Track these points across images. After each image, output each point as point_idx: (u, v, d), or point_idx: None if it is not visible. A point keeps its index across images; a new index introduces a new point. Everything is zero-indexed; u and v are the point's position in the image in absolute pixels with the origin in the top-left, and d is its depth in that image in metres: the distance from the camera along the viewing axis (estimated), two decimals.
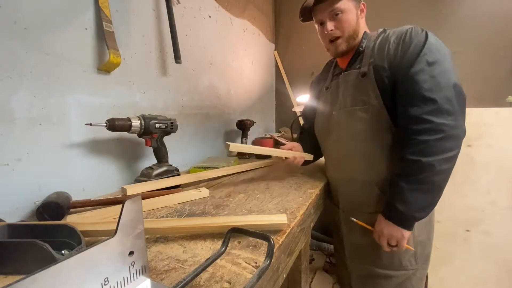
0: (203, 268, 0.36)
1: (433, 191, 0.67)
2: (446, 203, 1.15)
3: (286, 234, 0.52)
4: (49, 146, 0.69)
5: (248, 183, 0.91)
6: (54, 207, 0.59)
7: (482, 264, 1.13)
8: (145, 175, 0.82)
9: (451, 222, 1.17)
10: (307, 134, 1.06)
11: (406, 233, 0.70)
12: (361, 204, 0.85)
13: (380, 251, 0.81)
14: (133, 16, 0.91)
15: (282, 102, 2.14)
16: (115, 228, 0.31)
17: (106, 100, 0.83)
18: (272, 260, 0.37)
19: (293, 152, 0.94)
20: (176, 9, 1.06)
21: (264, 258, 0.37)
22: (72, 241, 0.43)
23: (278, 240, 0.49)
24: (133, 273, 0.33)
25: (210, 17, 1.34)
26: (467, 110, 0.67)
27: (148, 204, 0.66)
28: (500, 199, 1.10)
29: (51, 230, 0.45)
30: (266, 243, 0.39)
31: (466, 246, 1.16)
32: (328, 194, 1.00)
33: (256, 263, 0.41)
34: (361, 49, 0.80)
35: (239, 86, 1.65)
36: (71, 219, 0.57)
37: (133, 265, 0.33)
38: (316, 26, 0.85)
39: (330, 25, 0.79)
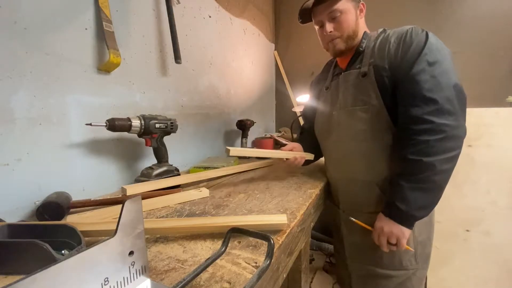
0: (203, 268, 0.36)
1: (434, 191, 0.67)
2: (446, 203, 1.15)
3: (286, 234, 0.52)
4: (49, 146, 0.69)
5: (248, 183, 0.91)
6: (54, 207, 0.59)
7: (482, 264, 1.13)
8: (145, 175, 0.82)
9: (451, 222, 1.17)
10: (307, 134, 1.06)
11: (407, 232, 0.70)
12: (362, 204, 0.85)
13: (380, 251, 0.81)
14: (133, 16, 0.91)
15: (282, 102, 2.14)
16: (115, 228, 0.31)
17: (106, 100, 0.83)
18: (272, 260, 0.37)
19: (294, 152, 0.94)
20: (176, 9, 1.06)
21: (264, 258, 0.37)
22: (72, 241, 0.43)
23: (278, 240, 0.49)
24: (133, 273, 0.33)
25: (210, 17, 1.34)
26: (467, 110, 0.67)
27: (148, 204, 0.66)
28: (500, 199, 1.10)
29: (51, 230, 0.45)
30: (266, 243, 0.39)
31: (466, 246, 1.16)
32: (328, 194, 1.00)
33: (256, 263, 0.41)
34: (361, 49, 0.80)
35: (239, 86, 1.65)
36: (71, 219, 0.57)
37: (133, 265, 0.33)
38: (316, 27, 0.85)
39: (329, 27, 0.79)
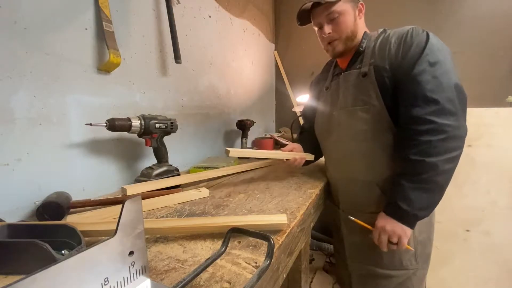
0: (203, 268, 0.36)
1: (436, 191, 0.67)
2: (447, 203, 1.15)
3: (286, 234, 0.52)
4: (49, 146, 0.69)
5: (248, 183, 0.91)
6: (54, 207, 0.59)
7: (482, 264, 1.13)
8: (145, 175, 0.82)
9: (451, 222, 1.17)
10: (307, 134, 1.06)
11: (409, 231, 0.70)
12: (362, 204, 0.84)
13: (380, 251, 0.81)
14: (133, 16, 0.91)
15: (282, 102, 2.14)
16: (115, 228, 0.31)
17: (106, 100, 0.83)
18: (272, 260, 0.37)
19: (294, 153, 0.94)
20: (176, 9, 1.06)
21: (264, 258, 0.37)
22: (72, 241, 0.43)
23: (278, 240, 0.49)
24: (133, 273, 0.33)
25: (210, 17, 1.34)
26: (467, 110, 0.67)
27: (148, 204, 0.66)
28: (500, 199, 1.10)
29: (51, 230, 0.45)
30: (266, 243, 0.39)
31: (466, 246, 1.16)
32: (328, 194, 1.00)
33: (256, 263, 0.41)
34: (361, 49, 0.80)
35: (239, 86, 1.65)
36: (71, 219, 0.57)
37: (133, 265, 0.33)
38: (315, 28, 0.85)
39: (327, 28, 0.79)
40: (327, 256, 1.68)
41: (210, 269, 0.39)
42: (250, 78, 1.79)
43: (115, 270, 0.31)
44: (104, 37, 0.77)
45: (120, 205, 0.33)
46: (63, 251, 0.42)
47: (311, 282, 1.44)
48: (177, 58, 1.02)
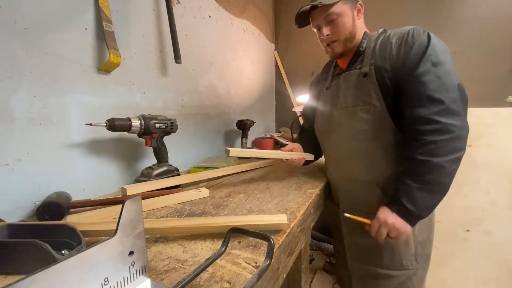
0: (203, 268, 0.36)
1: (440, 192, 0.67)
2: (447, 203, 1.14)
3: (286, 234, 0.52)
4: (49, 146, 0.69)
5: (248, 183, 0.91)
6: (54, 207, 0.59)
7: (482, 264, 1.13)
8: (145, 175, 0.82)
9: (451, 222, 1.17)
10: (307, 134, 1.06)
11: (409, 228, 0.70)
12: (362, 204, 0.84)
13: (380, 251, 0.81)
14: (133, 16, 0.91)
15: (282, 102, 2.14)
16: (115, 228, 0.31)
17: (106, 100, 0.83)
18: (272, 260, 0.37)
19: (294, 153, 0.94)
20: (176, 9, 1.06)
21: (264, 258, 0.37)
22: (72, 241, 0.43)
23: (278, 240, 0.49)
24: (133, 273, 0.33)
25: (210, 17, 1.34)
26: (467, 110, 0.67)
27: (148, 204, 0.66)
28: (500, 199, 1.10)
29: (51, 230, 0.45)
30: (266, 243, 0.39)
31: (466, 246, 1.16)
32: (329, 194, 1.00)
33: (256, 263, 0.41)
34: (361, 49, 0.80)
35: (239, 86, 1.65)
36: (71, 219, 0.57)
37: (133, 265, 0.33)
38: (314, 30, 0.85)
39: (326, 30, 0.79)
40: (327, 256, 1.68)
41: (210, 269, 0.39)
42: (250, 78, 1.79)
43: (115, 270, 0.31)
44: (104, 37, 0.77)
45: (120, 205, 0.33)
46: (63, 251, 0.42)
47: (311, 282, 1.44)
48: (177, 58, 1.02)
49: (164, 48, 1.04)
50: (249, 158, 1.42)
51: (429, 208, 0.69)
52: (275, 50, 2.15)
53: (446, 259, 1.19)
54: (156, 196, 0.69)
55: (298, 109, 1.74)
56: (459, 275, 1.17)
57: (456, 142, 0.64)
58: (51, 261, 0.36)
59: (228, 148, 0.74)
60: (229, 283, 0.36)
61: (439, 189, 0.67)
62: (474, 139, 1.11)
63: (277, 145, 1.66)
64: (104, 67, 0.79)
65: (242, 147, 1.48)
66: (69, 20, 0.72)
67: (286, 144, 1.04)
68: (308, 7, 0.79)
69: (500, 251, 1.10)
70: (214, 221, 0.52)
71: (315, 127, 0.99)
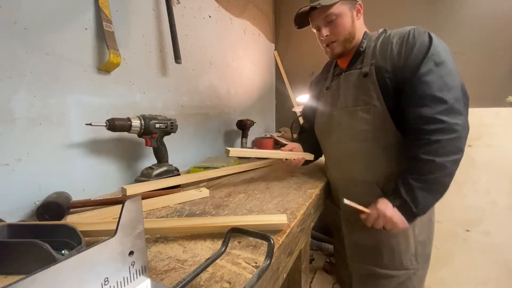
0: (203, 268, 0.36)
1: (440, 192, 0.68)
2: (446, 203, 1.15)
3: (286, 234, 0.52)
4: (49, 146, 0.69)
5: (248, 183, 0.91)
6: (54, 207, 0.59)
7: (482, 264, 1.13)
8: (145, 175, 0.82)
9: (451, 222, 1.17)
10: (307, 133, 1.06)
11: (406, 225, 0.70)
12: (362, 204, 0.84)
13: (381, 251, 0.81)
14: (133, 16, 0.91)
15: (282, 102, 2.14)
16: (115, 228, 0.31)
17: (106, 100, 0.83)
18: (272, 260, 0.37)
19: (293, 153, 0.94)
20: (176, 9, 1.06)
21: (264, 258, 0.37)
22: (72, 241, 0.43)
23: (278, 240, 0.49)
24: (133, 273, 0.33)
25: (210, 17, 1.34)
26: None
27: (148, 204, 0.66)
28: (500, 199, 1.10)
29: (51, 230, 0.45)
30: (266, 243, 0.39)
31: (466, 246, 1.16)
32: (329, 194, 1.00)
33: (256, 263, 0.41)
34: (361, 49, 0.80)
35: (239, 86, 1.65)
36: (71, 219, 0.57)
37: (133, 265, 0.33)
38: (314, 30, 0.85)
39: (325, 31, 0.80)
40: (327, 256, 1.68)
41: (210, 269, 0.39)
42: (250, 78, 1.78)
43: (115, 270, 0.31)
44: (104, 37, 0.77)
45: (120, 205, 0.33)
46: (63, 251, 0.42)
47: (311, 282, 1.44)
48: (177, 58, 1.02)
49: (164, 48, 1.04)
50: (249, 158, 1.43)
51: (428, 207, 0.69)
52: (275, 50, 2.15)
53: (446, 259, 1.19)
54: (156, 196, 0.69)
55: (298, 109, 1.74)
56: (459, 275, 1.17)
57: (459, 141, 0.64)
58: (51, 261, 0.36)
59: (228, 148, 0.74)
60: (229, 283, 0.36)
61: (440, 189, 0.67)
62: (474, 139, 1.11)
63: (277, 145, 1.66)
64: (104, 67, 0.79)
65: (242, 147, 1.48)
66: (69, 20, 0.72)
67: (286, 144, 1.04)
68: (307, 8, 0.79)
69: (500, 251, 1.10)
70: (214, 221, 0.52)
71: (315, 127, 0.99)
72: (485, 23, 1.38)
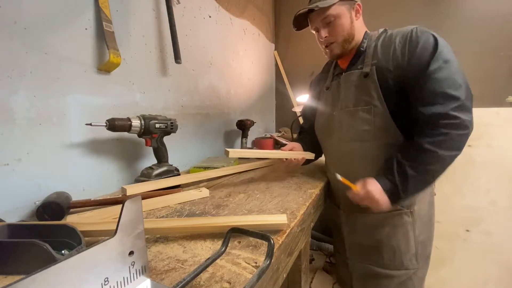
0: (203, 268, 0.36)
1: (430, 183, 0.70)
2: (446, 203, 1.15)
3: (286, 234, 0.52)
4: (49, 146, 0.69)
5: (248, 183, 0.91)
6: (54, 207, 0.59)
7: (482, 264, 1.13)
8: (145, 175, 0.82)
9: (451, 222, 1.17)
10: (307, 133, 1.06)
11: (389, 207, 0.71)
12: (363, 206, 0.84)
13: (382, 251, 0.81)
14: (133, 16, 0.91)
15: (282, 102, 2.14)
16: (115, 228, 0.31)
17: (106, 100, 0.83)
18: (272, 260, 0.37)
19: (294, 152, 0.94)
20: (176, 9, 1.06)
21: (264, 258, 0.37)
22: (72, 241, 0.43)
23: (278, 240, 0.49)
24: (133, 273, 0.33)
25: (210, 17, 1.34)
26: None
27: (148, 204, 0.66)
28: (500, 199, 1.10)
29: (51, 230, 0.45)
30: (266, 243, 0.39)
31: (466, 246, 1.16)
32: (329, 194, 1.00)
33: (256, 263, 0.41)
34: (362, 49, 0.80)
35: (239, 86, 1.65)
36: (71, 219, 0.57)
37: (133, 265, 0.33)
38: (313, 32, 0.86)
39: (324, 32, 0.80)
40: (327, 256, 1.68)
41: (210, 269, 0.39)
42: (250, 78, 1.79)
43: (115, 270, 0.31)
44: (104, 37, 0.77)
45: (120, 205, 0.33)
46: (63, 251, 0.42)
47: (311, 282, 1.44)
48: (177, 58, 1.02)
49: (164, 48, 1.04)
50: (249, 158, 1.43)
51: (413, 195, 0.71)
52: (275, 50, 2.15)
53: (446, 259, 1.19)
54: (156, 196, 0.69)
55: (298, 109, 1.74)
56: (459, 275, 1.17)
57: (465, 138, 0.65)
58: (51, 261, 0.36)
59: (227, 149, 0.73)
60: (229, 283, 0.36)
61: (430, 181, 0.69)
62: (474, 139, 1.11)
63: (277, 145, 1.66)
64: (104, 67, 0.79)
65: (242, 147, 1.48)
66: (69, 20, 0.72)
67: (286, 144, 1.04)
68: (305, 10, 0.79)
69: (500, 251, 1.10)
70: (214, 221, 0.52)
71: (315, 127, 0.99)
72: (485, 23, 1.38)
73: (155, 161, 0.88)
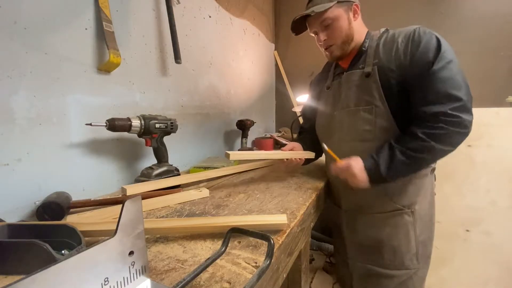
0: (203, 268, 0.36)
1: (415, 171, 0.71)
2: (446, 203, 1.15)
3: (286, 234, 0.52)
4: (49, 146, 0.69)
5: (248, 183, 0.91)
6: (54, 207, 0.59)
7: (482, 264, 1.13)
8: (145, 175, 0.82)
9: (451, 222, 1.17)
10: (307, 133, 1.06)
11: (367, 186, 0.72)
12: (364, 204, 0.85)
13: (382, 250, 0.81)
14: (133, 16, 0.91)
15: (282, 102, 2.14)
16: (115, 228, 0.31)
17: (106, 100, 0.83)
18: (272, 260, 0.37)
19: (294, 152, 0.94)
20: (176, 9, 1.06)
21: (264, 258, 0.37)
22: (72, 241, 0.43)
23: (278, 240, 0.49)
24: (133, 273, 0.33)
25: (210, 17, 1.34)
26: None
27: (148, 204, 0.66)
28: (500, 199, 1.10)
29: (51, 230, 0.45)
30: (266, 243, 0.39)
31: (466, 246, 1.16)
32: (329, 194, 1.00)
33: (256, 263, 0.41)
34: (363, 49, 0.80)
35: (239, 86, 1.65)
36: (71, 219, 0.57)
37: (133, 265, 0.33)
38: (312, 35, 0.86)
39: (322, 36, 0.80)
40: (327, 256, 1.68)
41: (210, 269, 0.39)
42: (250, 78, 1.78)
43: (115, 270, 0.31)
44: (104, 37, 0.77)
45: (120, 205, 0.33)
46: (63, 251, 0.42)
47: (311, 282, 1.44)
48: (177, 58, 1.02)
49: (164, 48, 1.04)
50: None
51: (395, 179, 0.71)
52: (275, 50, 2.15)
53: (446, 259, 1.19)
54: (156, 196, 0.69)
55: (298, 109, 1.74)
56: (459, 275, 1.17)
57: (461, 137, 0.65)
58: (51, 261, 0.36)
59: (228, 152, 0.73)
60: (229, 283, 0.36)
61: (418, 169, 0.70)
62: (474, 139, 1.11)
63: (277, 145, 1.66)
64: (104, 67, 0.79)
65: (242, 147, 1.48)
66: (69, 20, 0.72)
67: (286, 144, 1.03)
68: (302, 14, 0.79)
69: (500, 251, 1.10)
70: (214, 221, 0.52)
71: (316, 127, 0.99)
72: (484, 23, 1.38)
73: (155, 161, 0.88)
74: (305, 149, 1.00)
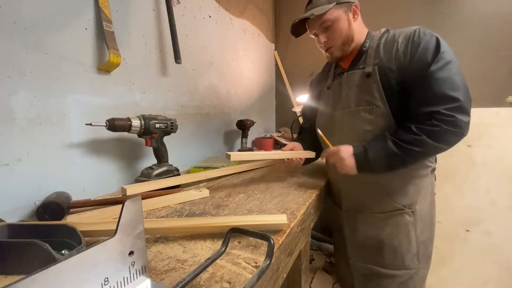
0: (203, 268, 0.36)
1: (404, 164, 0.71)
2: (446, 203, 1.15)
3: (286, 234, 0.52)
4: (49, 146, 0.69)
5: (248, 183, 0.91)
6: (54, 207, 0.59)
7: (482, 264, 1.13)
8: (145, 175, 0.82)
9: (451, 222, 1.17)
10: (307, 133, 1.06)
11: (354, 172, 0.73)
12: (365, 204, 0.84)
13: (383, 250, 0.81)
14: (133, 16, 0.91)
15: (282, 102, 2.14)
16: (115, 228, 0.31)
17: (106, 100, 0.83)
18: (272, 260, 0.37)
19: (295, 152, 0.94)
20: (176, 9, 1.06)
21: (264, 258, 0.37)
22: (72, 241, 0.43)
23: (278, 240, 0.49)
24: (133, 273, 0.33)
25: (210, 17, 1.34)
26: None
27: (148, 204, 0.66)
28: (500, 199, 1.10)
29: (51, 230, 0.45)
30: (266, 243, 0.39)
31: (466, 246, 1.16)
32: (329, 194, 1.00)
33: (256, 263, 0.41)
34: (364, 49, 0.80)
35: (239, 86, 1.65)
36: (71, 219, 0.57)
37: (133, 265, 0.33)
38: (312, 37, 0.86)
39: (322, 37, 0.80)
40: (327, 256, 1.68)
41: (210, 269, 0.39)
42: (250, 78, 1.79)
43: (115, 270, 0.31)
44: (104, 37, 0.77)
45: (120, 205, 0.33)
46: (63, 251, 0.42)
47: (311, 282, 1.44)
48: (177, 58, 1.02)
49: (164, 48, 1.04)
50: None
51: (383, 170, 0.72)
52: (275, 50, 2.15)
53: (446, 259, 1.19)
54: (156, 196, 0.69)
55: (298, 109, 1.74)
56: (459, 275, 1.17)
57: (454, 136, 0.65)
58: (51, 261, 0.36)
59: (228, 153, 0.73)
60: (229, 283, 0.36)
61: (409, 161, 0.70)
62: (474, 139, 1.11)
63: (277, 145, 1.66)
64: (104, 67, 0.79)
65: (242, 147, 1.48)
66: (69, 20, 0.72)
67: (286, 144, 1.03)
68: (302, 17, 0.79)
69: (500, 251, 1.10)
70: (214, 221, 0.52)
71: (316, 127, 0.99)
72: (484, 23, 1.38)
73: (155, 161, 0.88)
74: (305, 149, 1.00)
